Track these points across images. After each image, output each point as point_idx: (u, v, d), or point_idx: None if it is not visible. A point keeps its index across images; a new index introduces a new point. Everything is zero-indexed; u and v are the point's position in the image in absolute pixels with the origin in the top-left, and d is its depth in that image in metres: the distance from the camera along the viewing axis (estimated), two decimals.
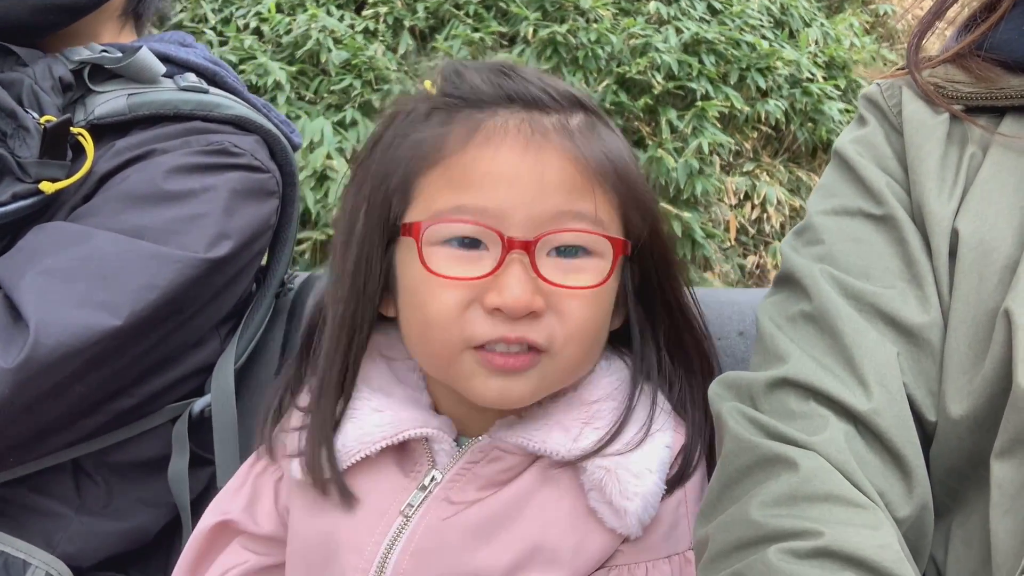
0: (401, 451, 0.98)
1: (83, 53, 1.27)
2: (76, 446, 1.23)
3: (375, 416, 0.97)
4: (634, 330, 1.00)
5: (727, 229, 5.01)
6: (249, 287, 1.38)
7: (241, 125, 1.32)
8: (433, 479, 0.96)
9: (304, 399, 1.05)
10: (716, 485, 0.83)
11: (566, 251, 0.90)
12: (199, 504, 1.28)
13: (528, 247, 0.88)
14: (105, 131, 1.26)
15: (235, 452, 1.32)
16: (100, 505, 1.27)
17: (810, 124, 5.44)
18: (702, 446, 0.97)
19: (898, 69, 0.98)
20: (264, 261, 1.42)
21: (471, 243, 0.89)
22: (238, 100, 1.34)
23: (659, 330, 1.01)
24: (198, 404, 1.32)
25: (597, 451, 0.92)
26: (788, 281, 0.91)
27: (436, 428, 0.96)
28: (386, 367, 1.03)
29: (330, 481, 0.97)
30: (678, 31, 5.36)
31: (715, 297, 1.32)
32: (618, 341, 1.02)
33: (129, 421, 1.27)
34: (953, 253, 0.84)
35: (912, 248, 0.87)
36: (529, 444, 0.93)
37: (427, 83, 0.98)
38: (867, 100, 0.99)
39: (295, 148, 1.41)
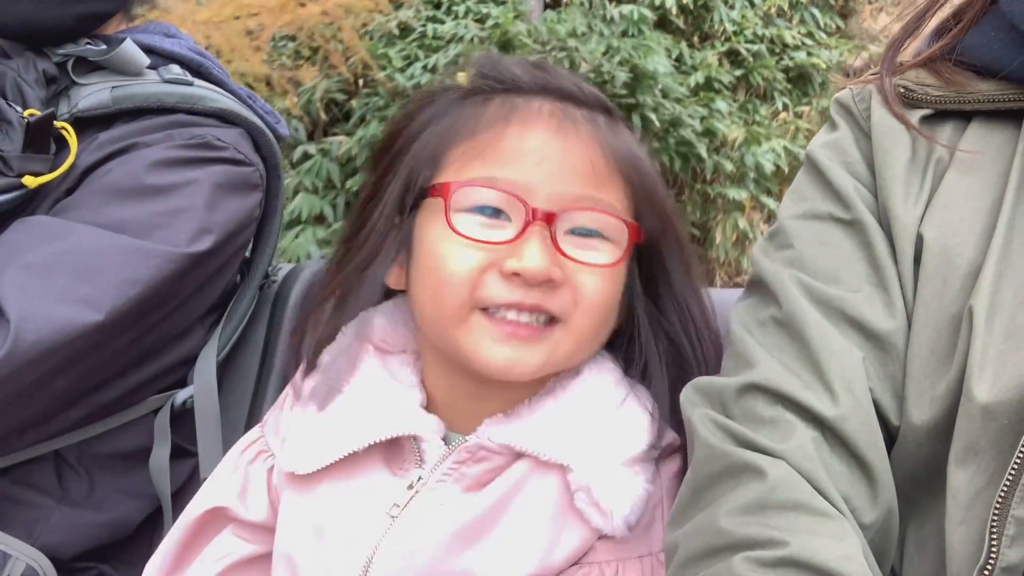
0: (389, 448, 0.99)
1: (67, 46, 1.27)
2: (58, 438, 1.24)
3: (364, 413, 0.98)
4: (641, 325, 1.02)
5: None
6: (233, 279, 1.38)
7: (225, 118, 1.31)
8: (420, 479, 0.97)
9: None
10: (686, 491, 0.84)
11: (583, 232, 0.95)
12: (181, 496, 1.28)
13: (550, 219, 0.92)
14: (88, 124, 1.25)
15: (218, 443, 1.32)
16: (82, 496, 1.28)
17: None
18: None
19: (871, 74, 0.99)
20: (248, 253, 1.42)
21: (494, 212, 0.93)
22: (222, 92, 1.34)
23: (662, 332, 1.02)
24: (180, 395, 1.33)
25: (585, 452, 0.93)
26: (758, 286, 0.92)
27: (424, 427, 0.97)
28: (379, 363, 1.03)
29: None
30: None
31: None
32: (609, 347, 1.03)
33: (111, 413, 1.27)
34: (918, 258, 0.85)
35: (879, 252, 0.87)
36: (516, 444, 0.94)
37: (460, 75, 1.03)
38: (839, 105, 1.00)
39: (280, 139, 1.40)
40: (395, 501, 0.96)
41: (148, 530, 1.35)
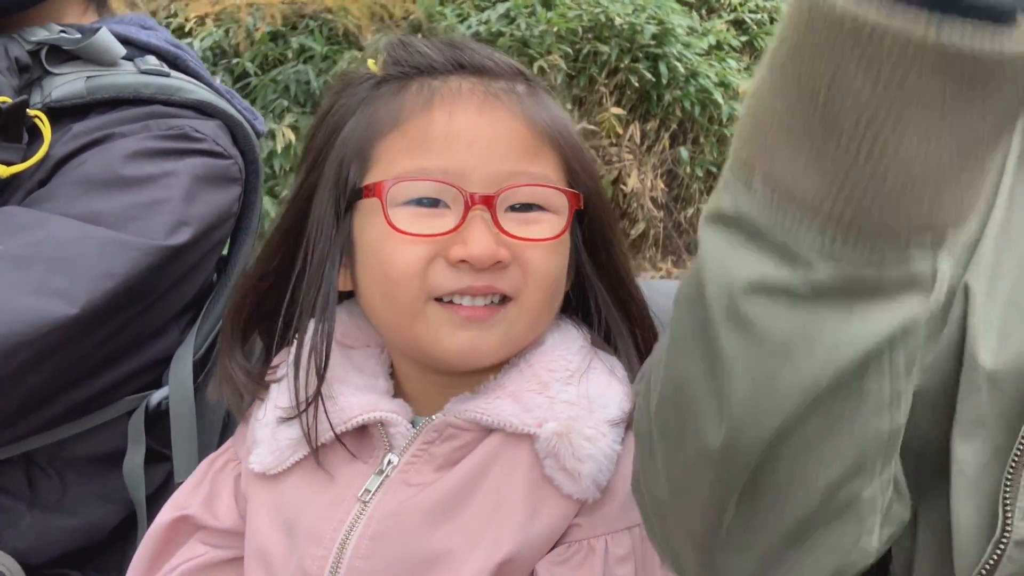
0: (358, 437, 0.98)
1: (40, 34, 1.24)
2: (29, 439, 1.20)
3: (328, 405, 0.97)
4: (594, 285, 1.03)
5: None
6: (210, 277, 1.35)
7: (203, 110, 1.29)
8: (390, 462, 0.96)
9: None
10: None
11: (522, 207, 0.94)
12: (155, 500, 1.24)
13: (489, 202, 0.91)
14: (63, 114, 1.22)
15: (193, 446, 1.28)
16: (53, 500, 1.24)
17: None
18: None
19: None
20: (225, 251, 1.39)
21: (432, 202, 0.92)
22: (200, 84, 1.31)
23: (607, 291, 1.04)
24: (155, 396, 1.29)
25: (550, 419, 0.92)
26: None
27: (389, 411, 0.96)
28: (341, 355, 1.02)
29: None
30: None
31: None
32: (567, 309, 1.04)
33: (84, 413, 1.23)
34: None
35: None
36: (482, 418, 0.93)
37: (370, 62, 1.01)
38: None
39: (258, 135, 1.38)
40: (366, 487, 0.95)
41: (122, 535, 1.31)
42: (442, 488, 0.92)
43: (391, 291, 0.93)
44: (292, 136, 4.99)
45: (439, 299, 0.92)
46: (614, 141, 6.12)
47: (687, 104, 6.12)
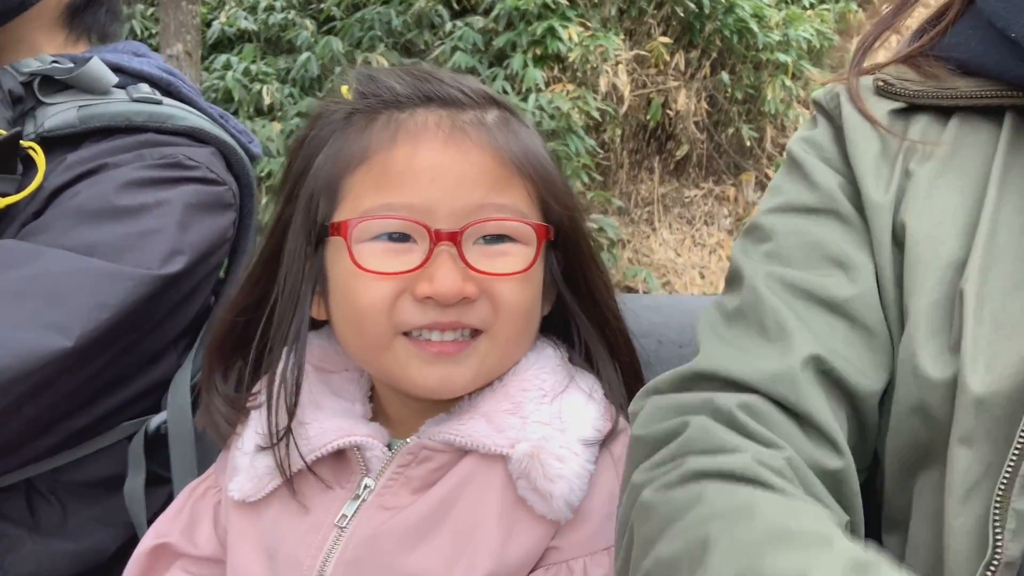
0: (335, 463, 0.98)
1: (33, 65, 1.25)
2: (29, 466, 1.21)
3: (301, 430, 0.97)
4: (572, 308, 1.03)
5: None
6: (207, 301, 1.36)
7: (196, 136, 1.29)
8: (366, 487, 0.96)
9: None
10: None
11: (491, 239, 0.94)
12: None
13: (455, 237, 0.91)
14: (56, 144, 1.23)
15: (192, 469, 1.29)
16: (54, 525, 1.25)
17: None
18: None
19: (843, 75, 1.01)
20: (222, 274, 1.40)
21: (400, 237, 0.92)
22: (192, 110, 1.32)
23: (585, 315, 1.03)
24: (154, 421, 1.30)
25: (524, 439, 0.92)
26: (732, 281, 0.93)
27: (364, 435, 0.97)
28: (318, 380, 1.02)
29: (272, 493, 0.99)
30: None
31: (678, 305, 1.32)
32: (547, 329, 1.04)
33: (83, 440, 1.24)
34: (899, 244, 0.86)
35: (853, 238, 0.88)
36: (456, 439, 0.94)
37: (344, 89, 1.01)
38: (815, 103, 1.01)
39: (253, 158, 1.38)
40: (343, 512, 0.96)
41: (123, 558, 1.30)
42: (417, 511, 0.93)
43: (360, 325, 0.94)
44: (385, 62, 5.64)
45: (408, 333, 0.93)
46: (661, 69, 6.59)
47: (727, 33, 6.61)
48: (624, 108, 6.38)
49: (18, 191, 1.18)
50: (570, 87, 6.05)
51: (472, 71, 5.72)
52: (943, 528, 0.75)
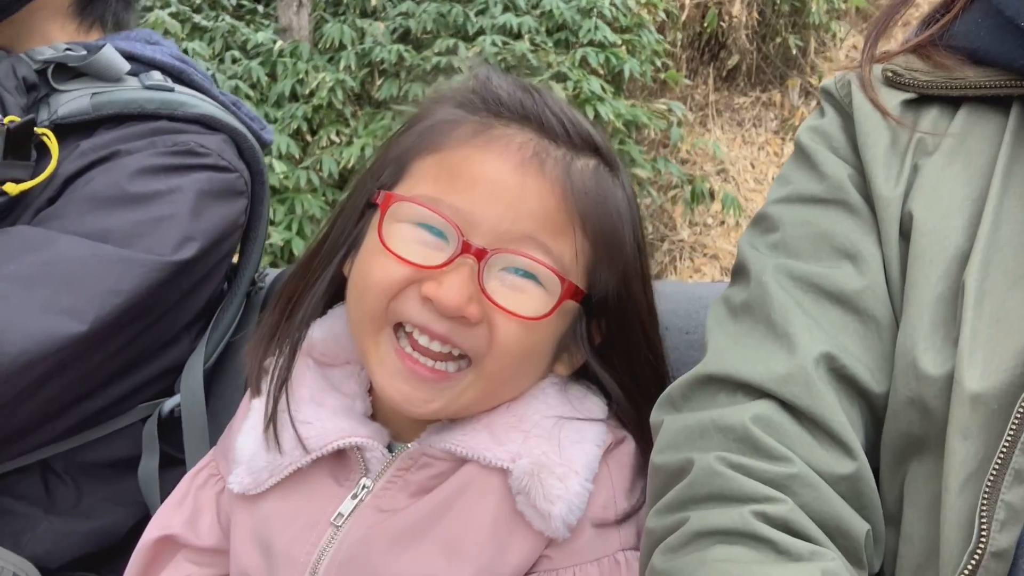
0: (335, 460, 0.99)
1: (47, 52, 1.26)
2: (45, 447, 1.23)
3: (302, 428, 0.98)
4: (599, 375, 1.00)
5: None
6: (219, 287, 1.37)
7: (208, 124, 1.30)
8: (364, 487, 0.97)
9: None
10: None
11: (520, 272, 0.92)
12: None
13: (481, 255, 0.90)
14: (70, 131, 1.24)
15: (205, 452, 1.31)
16: (69, 505, 1.27)
17: None
18: (640, 449, 0.98)
19: (854, 64, 1.00)
20: (234, 260, 1.41)
21: (439, 233, 0.91)
22: (204, 98, 1.33)
23: (616, 377, 1.01)
24: (168, 404, 1.32)
25: (525, 455, 0.92)
26: (739, 273, 0.93)
27: (366, 436, 0.97)
28: (319, 375, 1.03)
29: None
30: None
31: (684, 292, 1.33)
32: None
33: (98, 423, 1.26)
34: (905, 236, 0.86)
35: (862, 230, 0.88)
36: (457, 449, 0.94)
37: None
38: (824, 92, 1.01)
39: (264, 145, 1.39)
40: (340, 511, 0.96)
41: (136, 538, 1.33)
42: (412, 515, 0.94)
43: (363, 298, 0.95)
44: None
45: (400, 326, 0.93)
46: None
47: None
48: (684, 16, 6.58)
49: (32, 178, 1.19)
50: None
51: None
52: (938, 520, 0.76)
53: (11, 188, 1.17)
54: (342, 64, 5.16)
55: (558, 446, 0.93)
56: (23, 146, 1.19)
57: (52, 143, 1.21)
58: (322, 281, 1.01)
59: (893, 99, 0.93)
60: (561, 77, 5.09)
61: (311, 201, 4.40)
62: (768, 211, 0.95)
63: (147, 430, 1.31)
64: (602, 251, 0.95)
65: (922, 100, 0.92)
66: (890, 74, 0.94)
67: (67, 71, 1.26)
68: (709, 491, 0.77)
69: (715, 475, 0.78)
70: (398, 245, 0.91)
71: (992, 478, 0.73)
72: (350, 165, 4.60)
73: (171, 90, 1.29)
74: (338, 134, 4.90)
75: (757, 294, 0.88)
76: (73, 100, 1.24)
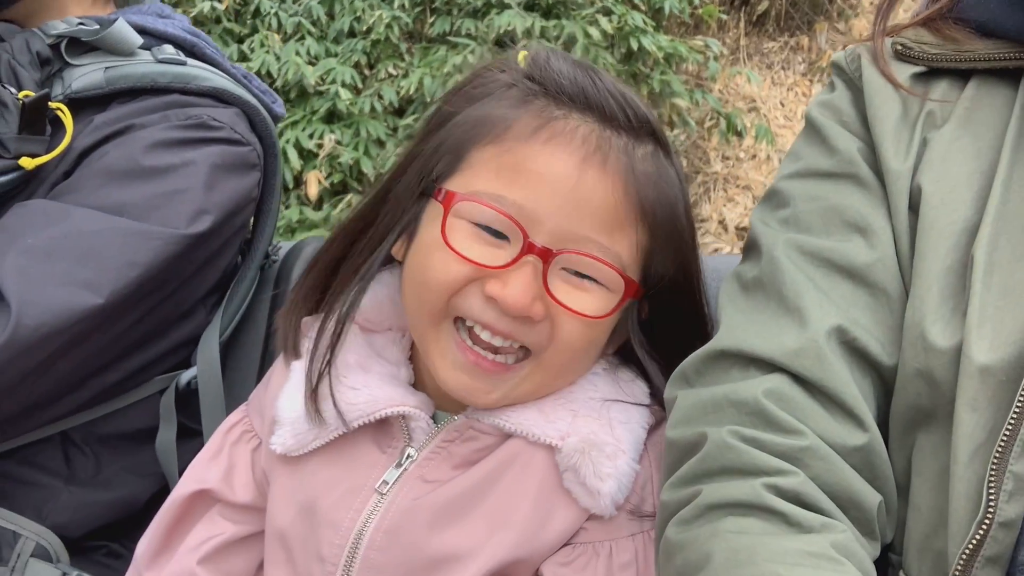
0: (379, 427, 0.99)
1: (60, 27, 1.26)
2: (64, 419, 1.25)
3: (350, 394, 0.98)
4: (640, 356, 1.00)
5: None
6: (234, 260, 1.39)
7: (220, 97, 1.31)
8: (409, 456, 0.97)
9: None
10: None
11: (579, 273, 0.92)
12: None
13: (547, 256, 0.90)
14: (84, 105, 1.25)
15: (222, 422, 1.33)
16: (89, 476, 1.29)
17: None
18: None
19: (865, 37, 0.99)
20: (248, 233, 1.42)
21: (498, 233, 0.91)
22: (216, 71, 1.33)
23: (655, 356, 1.01)
24: (184, 376, 1.33)
25: (573, 433, 0.93)
26: (751, 249, 0.94)
27: (413, 406, 0.97)
28: (364, 342, 1.03)
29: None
30: None
31: None
32: None
33: (116, 395, 1.28)
34: (915, 209, 0.86)
35: (872, 203, 0.88)
36: (506, 425, 0.95)
37: (521, 55, 0.99)
38: (835, 66, 1.01)
39: (276, 119, 1.40)
40: (384, 478, 0.97)
41: (154, 508, 1.35)
42: (456, 487, 0.94)
43: (421, 292, 0.94)
44: None
45: (461, 320, 0.93)
46: None
47: None
48: None
49: (47, 152, 1.20)
50: None
51: None
52: (946, 490, 0.77)
53: (27, 162, 1.18)
54: (396, 2, 5.37)
55: (608, 425, 0.94)
56: (38, 120, 1.19)
57: (67, 117, 1.22)
58: (371, 265, 0.99)
59: (903, 73, 0.93)
60: (606, 11, 5.17)
61: (376, 126, 4.77)
62: (779, 186, 0.95)
63: (164, 402, 1.32)
64: (660, 238, 0.95)
65: (932, 74, 0.92)
66: (900, 47, 0.94)
67: (80, 45, 1.27)
68: (722, 464, 0.79)
69: (728, 449, 0.79)
70: (460, 243, 0.91)
71: (1000, 449, 0.74)
72: (409, 94, 4.91)
73: (183, 63, 1.29)
74: (395, 67, 5.18)
75: (768, 269, 0.88)
76: (87, 74, 1.25)
